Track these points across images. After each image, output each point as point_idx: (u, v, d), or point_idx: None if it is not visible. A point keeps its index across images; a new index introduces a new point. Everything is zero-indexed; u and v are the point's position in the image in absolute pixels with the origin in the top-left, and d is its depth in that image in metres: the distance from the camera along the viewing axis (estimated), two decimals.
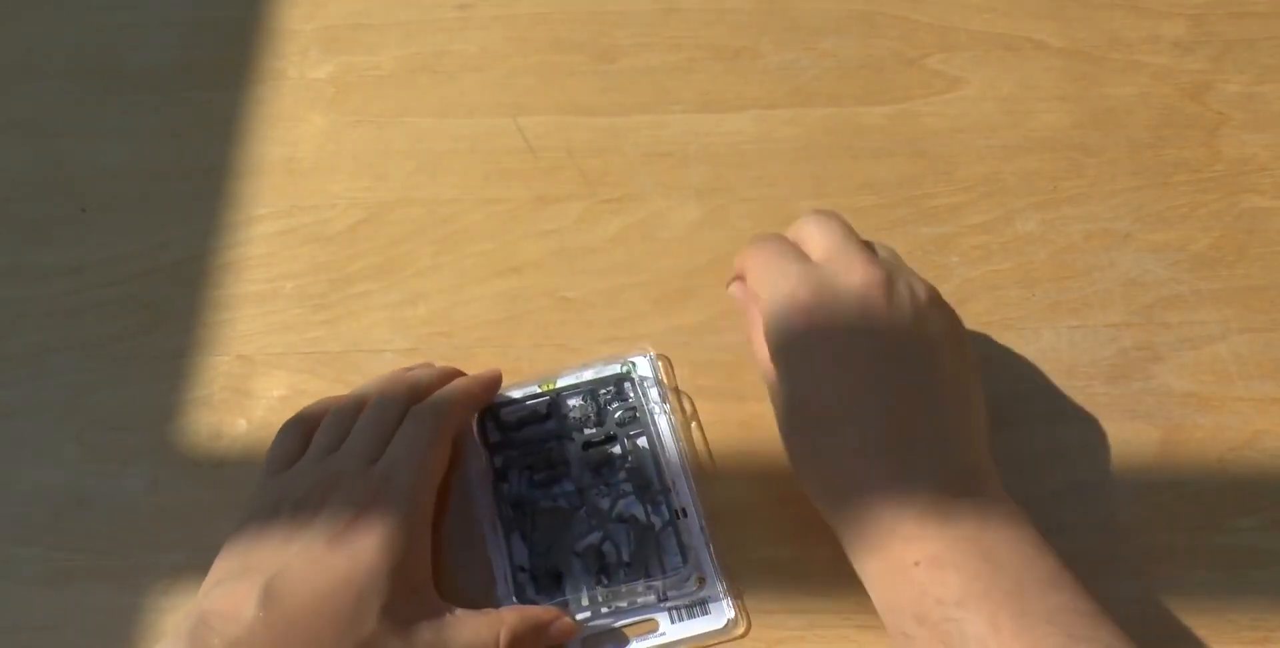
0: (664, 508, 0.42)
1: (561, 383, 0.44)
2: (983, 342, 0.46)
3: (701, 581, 0.40)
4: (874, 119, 0.52)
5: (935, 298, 0.38)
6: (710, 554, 0.41)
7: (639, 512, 0.42)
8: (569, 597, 0.40)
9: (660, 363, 0.45)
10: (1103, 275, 0.48)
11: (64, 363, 0.47)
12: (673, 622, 0.40)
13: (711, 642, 0.40)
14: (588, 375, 0.44)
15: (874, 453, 0.35)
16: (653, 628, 0.40)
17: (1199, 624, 0.40)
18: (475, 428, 0.43)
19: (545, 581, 0.41)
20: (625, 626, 0.40)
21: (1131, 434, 0.44)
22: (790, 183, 0.50)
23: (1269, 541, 0.41)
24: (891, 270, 0.37)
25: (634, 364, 0.44)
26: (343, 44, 0.56)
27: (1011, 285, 0.47)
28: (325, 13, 0.57)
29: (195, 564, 0.39)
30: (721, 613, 0.40)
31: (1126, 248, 0.48)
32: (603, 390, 0.44)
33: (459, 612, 0.37)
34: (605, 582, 0.40)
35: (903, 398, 0.35)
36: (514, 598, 0.40)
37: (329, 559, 0.35)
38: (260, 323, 0.47)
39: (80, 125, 0.53)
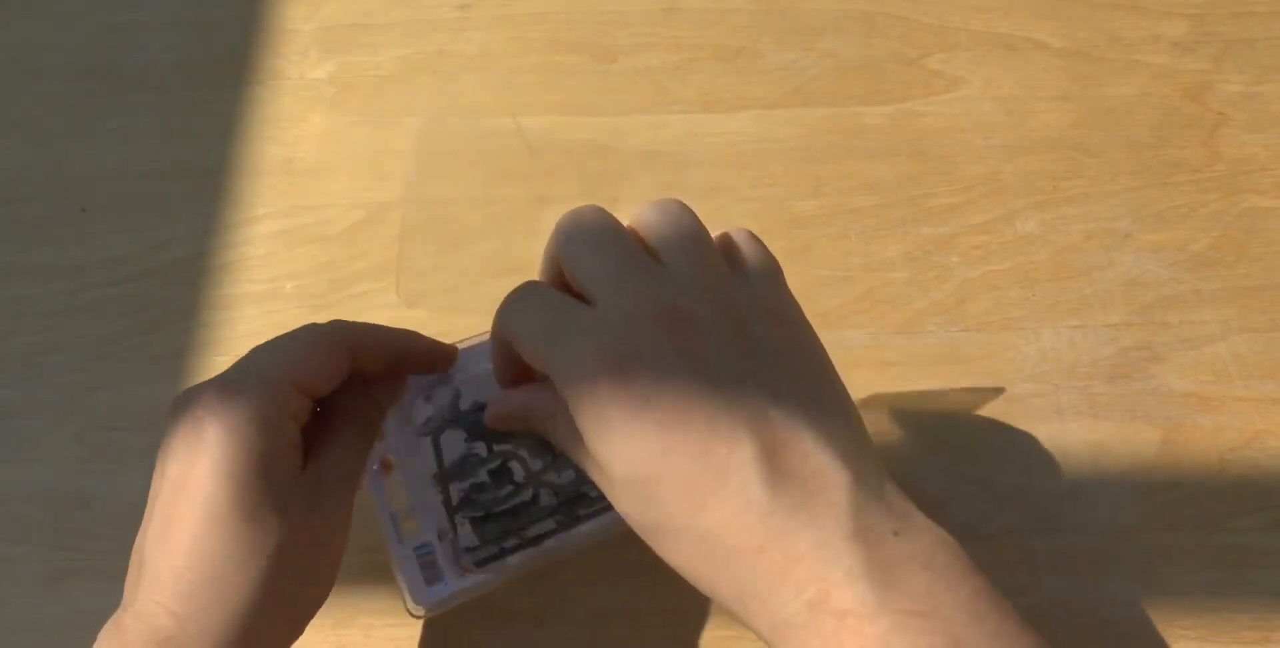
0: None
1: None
2: (983, 342, 0.46)
3: None
4: (874, 119, 0.52)
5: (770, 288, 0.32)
6: None
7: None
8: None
9: None
10: (1103, 275, 0.48)
11: (64, 363, 0.47)
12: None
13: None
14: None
15: (765, 501, 0.27)
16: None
17: (1199, 624, 0.40)
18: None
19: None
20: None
21: (1131, 434, 0.44)
22: (790, 183, 0.50)
23: (1269, 541, 0.41)
24: (679, 287, 0.30)
25: None
26: (343, 44, 0.55)
27: (1011, 285, 0.47)
28: (325, 13, 0.57)
29: None
30: None
31: (1126, 248, 0.48)
32: None
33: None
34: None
35: (772, 420, 0.28)
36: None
37: None
38: (260, 323, 0.47)
39: (80, 125, 0.53)
